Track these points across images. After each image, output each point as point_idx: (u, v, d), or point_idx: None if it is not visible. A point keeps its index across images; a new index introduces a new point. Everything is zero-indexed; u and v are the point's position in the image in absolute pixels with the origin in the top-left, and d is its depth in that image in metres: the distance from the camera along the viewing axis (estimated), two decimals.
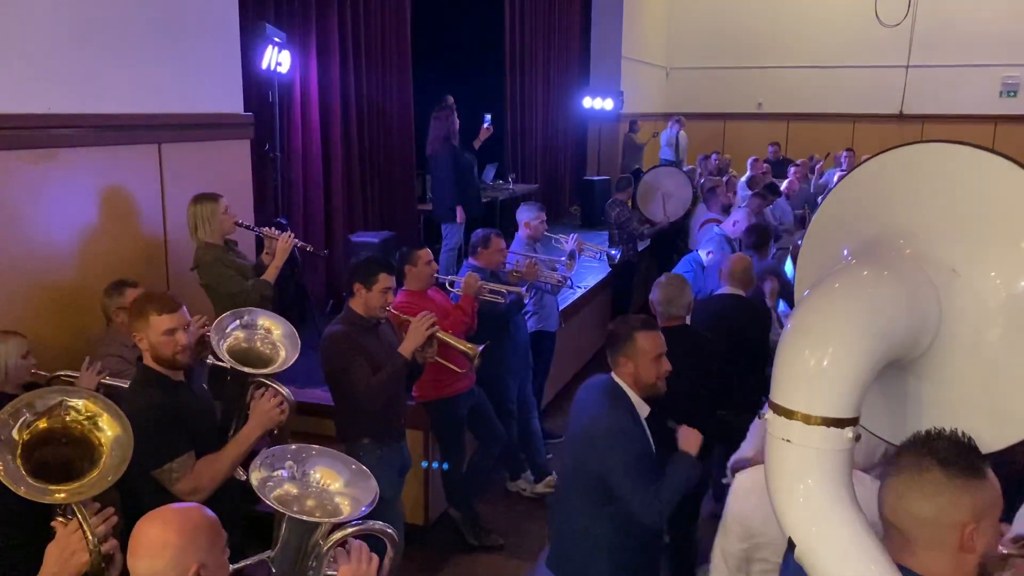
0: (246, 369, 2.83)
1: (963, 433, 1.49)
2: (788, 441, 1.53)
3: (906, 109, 14.37)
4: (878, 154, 1.82)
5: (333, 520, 1.83)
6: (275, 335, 2.98)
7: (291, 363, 2.95)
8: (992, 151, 1.60)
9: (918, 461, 1.48)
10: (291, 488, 1.88)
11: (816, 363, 1.52)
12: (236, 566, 1.76)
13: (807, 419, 1.51)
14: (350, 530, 1.84)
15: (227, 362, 2.81)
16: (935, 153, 1.71)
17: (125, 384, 2.97)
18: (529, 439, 5.14)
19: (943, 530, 1.46)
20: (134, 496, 2.53)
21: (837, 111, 14.60)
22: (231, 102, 4.84)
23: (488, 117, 7.81)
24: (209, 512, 1.71)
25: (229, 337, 2.88)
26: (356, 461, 1.99)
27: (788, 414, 1.53)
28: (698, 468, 2.81)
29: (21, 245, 3.59)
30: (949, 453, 1.47)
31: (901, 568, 1.49)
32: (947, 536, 1.46)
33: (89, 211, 3.94)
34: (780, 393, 1.57)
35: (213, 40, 4.65)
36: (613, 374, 2.90)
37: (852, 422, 1.51)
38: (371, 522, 1.87)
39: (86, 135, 3.87)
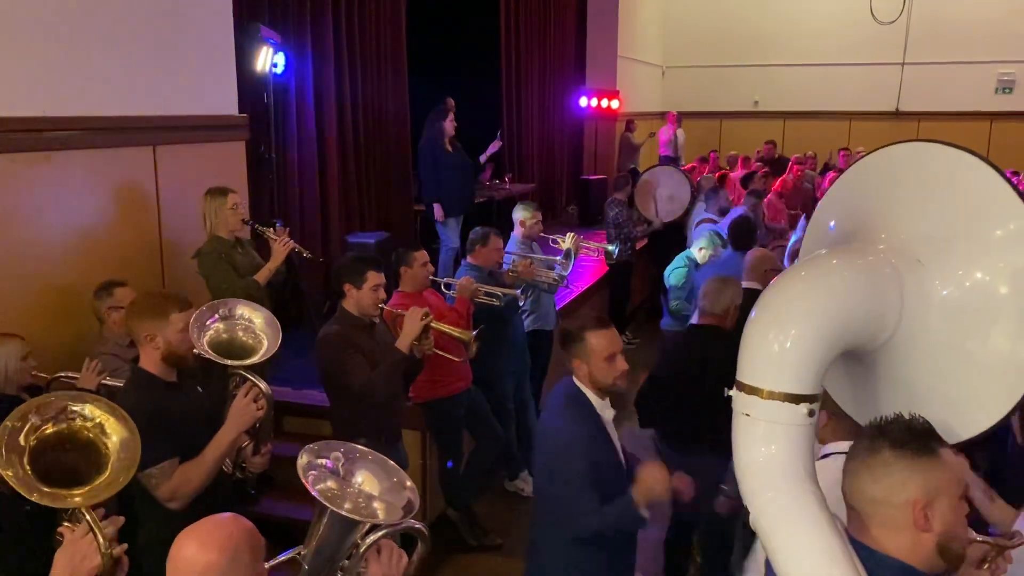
0: (225, 361, 2.80)
1: (918, 416, 1.54)
2: (748, 415, 1.61)
3: (902, 106, 14.40)
4: (873, 151, 1.86)
5: (375, 520, 1.82)
6: (256, 324, 2.96)
7: (274, 351, 2.92)
8: (961, 148, 1.63)
9: (871, 444, 1.54)
10: (332, 485, 1.86)
11: (779, 343, 1.59)
12: (269, 564, 1.74)
13: (767, 395, 1.58)
14: (386, 529, 1.83)
15: (208, 355, 2.80)
16: (911, 151, 1.76)
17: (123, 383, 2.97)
18: (527, 439, 5.14)
19: (894, 509, 1.51)
20: (128, 496, 2.53)
21: (833, 109, 14.63)
22: (226, 104, 4.84)
23: (500, 133, 7.93)
24: (246, 521, 1.68)
25: (209, 330, 2.86)
26: (401, 471, 1.96)
27: (751, 390, 1.60)
28: (639, 524, 2.60)
29: (16, 247, 3.59)
30: (901, 435, 1.52)
31: (860, 546, 1.54)
32: (899, 515, 1.51)
33: (84, 213, 3.93)
34: (745, 371, 1.63)
35: (207, 42, 4.65)
36: (573, 377, 2.77)
37: (809, 399, 1.57)
38: (406, 520, 1.88)
39: (81, 138, 3.87)
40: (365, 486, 1.90)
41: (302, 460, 1.84)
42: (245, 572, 1.61)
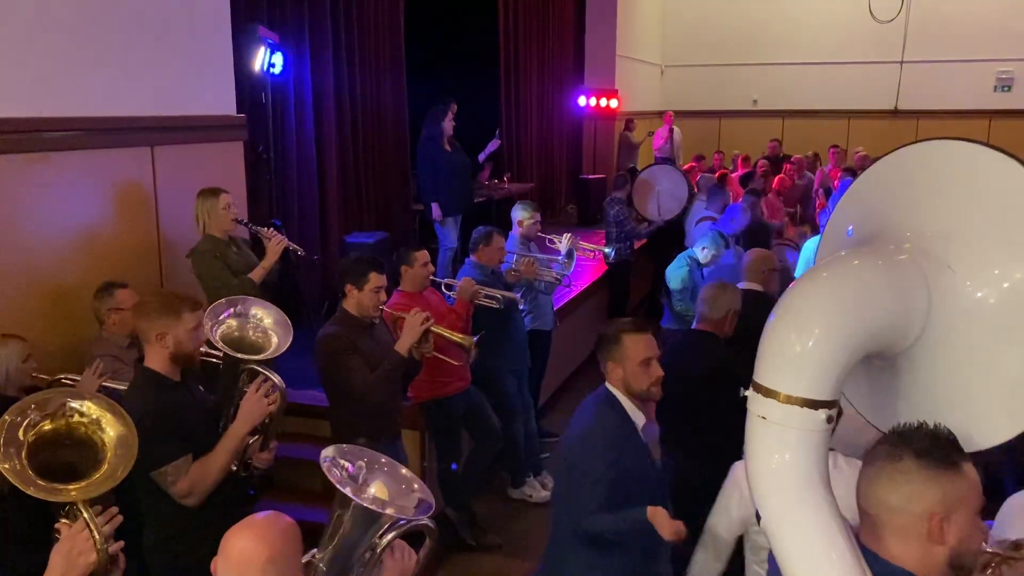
0: (239, 355, 2.81)
1: (943, 426, 1.51)
2: (764, 418, 1.57)
3: (901, 105, 14.38)
4: (895, 150, 1.82)
5: (396, 515, 1.84)
6: (266, 323, 2.97)
7: (284, 349, 2.94)
8: (993, 147, 1.59)
9: (893, 451, 1.51)
10: (348, 490, 1.87)
11: (800, 346, 1.55)
12: None
13: (785, 399, 1.54)
14: (401, 528, 1.86)
15: (220, 348, 2.80)
16: (938, 150, 1.71)
17: (125, 386, 2.96)
18: (527, 440, 5.14)
19: (911, 519, 1.48)
20: (131, 495, 2.53)
21: (832, 107, 14.60)
22: (224, 104, 4.83)
23: (497, 131, 7.95)
24: (288, 517, 1.70)
25: (223, 324, 2.87)
26: (413, 477, 1.98)
27: (768, 393, 1.56)
28: (651, 538, 2.46)
29: (14, 249, 3.58)
30: (924, 444, 1.48)
31: (870, 554, 1.51)
32: (915, 525, 1.48)
33: (82, 214, 3.93)
34: (763, 373, 1.60)
35: (205, 42, 4.64)
36: (607, 383, 2.74)
37: (828, 405, 1.54)
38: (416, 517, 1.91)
39: (78, 138, 3.86)
40: (377, 494, 1.92)
41: (328, 453, 1.85)
42: (295, 566, 1.65)
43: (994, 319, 1.55)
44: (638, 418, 2.69)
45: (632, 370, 2.65)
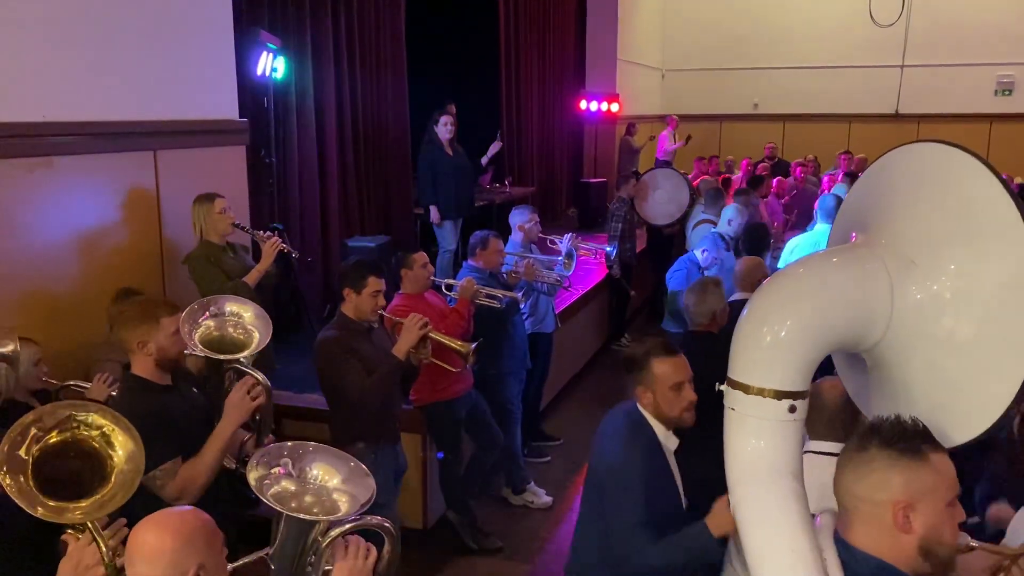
0: (218, 356, 2.81)
1: (914, 419, 1.53)
2: (733, 410, 1.65)
3: (902, 109, 14.41)
4: (882, 155, 1.87)
5: (330, 518, 1.81)
6: (246, 319, 2.96)
7: (265, 343, 2.93)
8: (953, 145, 1.63)
9: (861, 442, 1.54)
10: (289, 485, 1.85)
11: (770, 336, 1.62)
12: (235, 564, 1.77)
13: (754, 390, 1.61)
14: (348, 526, 1.82)
15: (200, 352, 2.81)
16: (907, 153, 1.77)
17: None
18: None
19: (875, 507, 1.50)
20: (128, 501, 2.53)
21: (833, 111, 14.64)
22: (226, 108, 4.85)
23: (499, 133, 7.97)
24: (204, 513, 1.72)
25: (200, 327, 2.87)
26: (354, 458, 1.95)
27: (737, 385, 1.64)
28: (716, 554, 2.34)
29: (17, 253, 3.60)
30: (891, 435, 1.51)
31: (843, 543, 1.55)
32: (880, 514, 1.50)
33: (85, 218, 3.94)
34: (733, 366, 1.67)
35: (207, 46, 4.66)
36: (637, 403, 2.59)
37: (792, 395, 1.59)
38: (368, 516, 1.86)
39: (81, 143, 3.87)
40: (323, 480, 1.89)
41: (254, 475, 1.82)
42: (200, 558, 1.64)
43: (951, 315, 1.58)
44: (670, 442, 2.56)
45: (663, 395, 2.52)
